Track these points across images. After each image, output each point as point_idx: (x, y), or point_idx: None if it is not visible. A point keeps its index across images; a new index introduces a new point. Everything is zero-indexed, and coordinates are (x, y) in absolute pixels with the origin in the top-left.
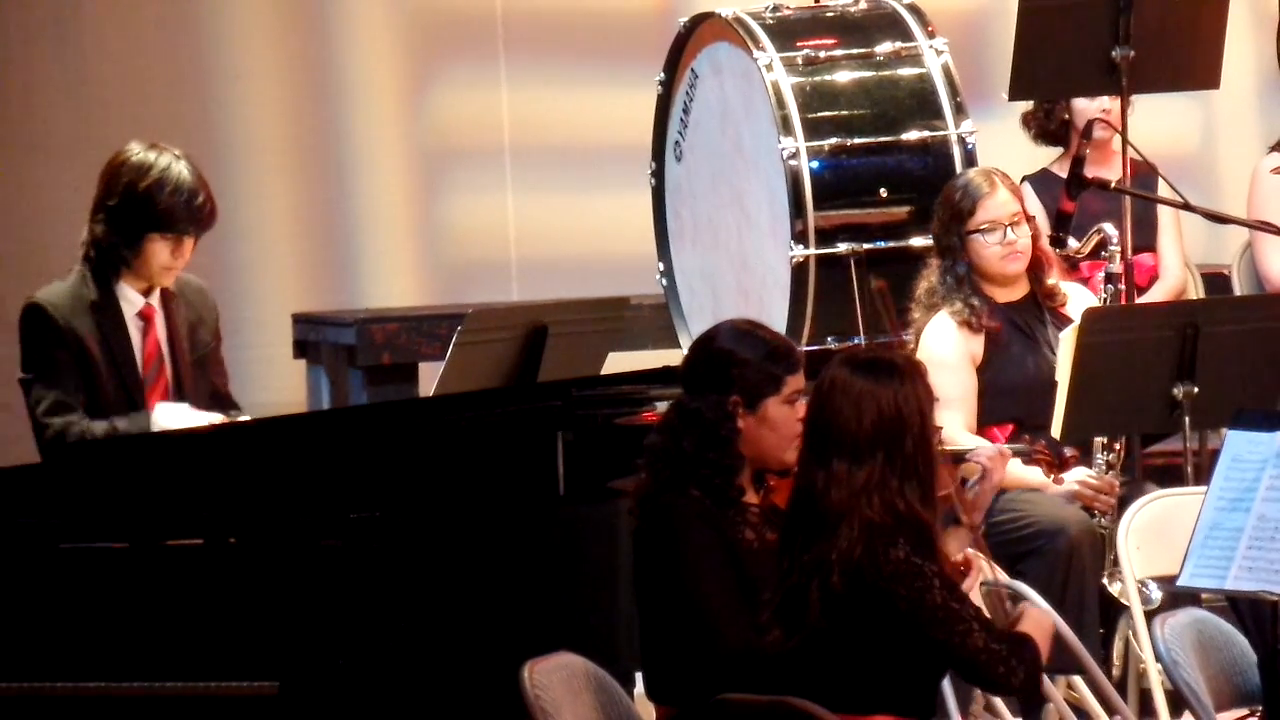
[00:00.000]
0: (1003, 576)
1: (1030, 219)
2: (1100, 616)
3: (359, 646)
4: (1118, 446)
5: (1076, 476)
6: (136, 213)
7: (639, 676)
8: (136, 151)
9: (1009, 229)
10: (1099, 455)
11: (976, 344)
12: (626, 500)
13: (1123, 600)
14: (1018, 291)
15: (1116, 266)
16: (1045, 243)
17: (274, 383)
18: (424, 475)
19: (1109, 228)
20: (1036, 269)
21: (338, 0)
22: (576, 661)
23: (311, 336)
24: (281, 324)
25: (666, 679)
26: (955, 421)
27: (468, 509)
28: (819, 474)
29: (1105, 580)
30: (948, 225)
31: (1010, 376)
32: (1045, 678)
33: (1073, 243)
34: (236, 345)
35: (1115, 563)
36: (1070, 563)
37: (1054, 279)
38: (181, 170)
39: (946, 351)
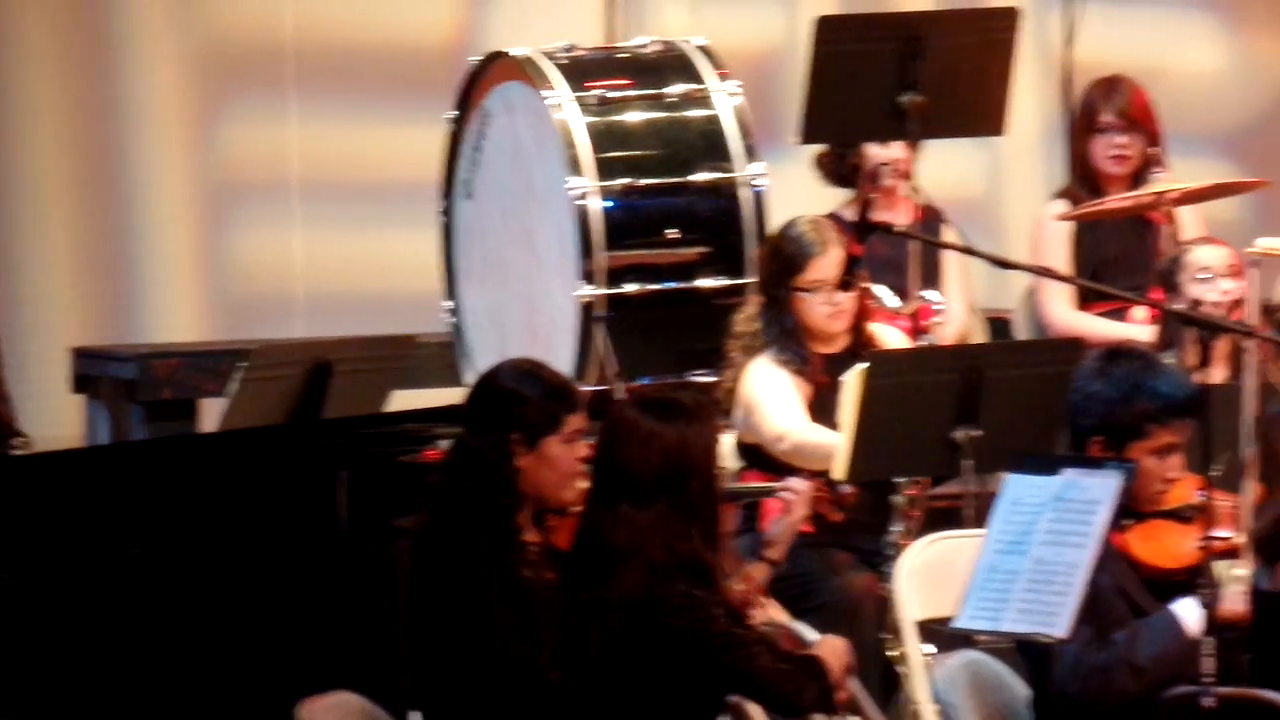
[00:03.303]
0: (785, 617)
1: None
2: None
3: (137, 679)
4: (915, 513)
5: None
6: None
7: (416, 715)
8: None
9: (836, 290)
10: (896, 523)
11: (805, 391)
12: (408, 538)
13: (899, 667)
14: (839, 344)
15: (935, 337)
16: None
17: (52, 417)
18: (204, 511)
19: (933, 295)
20: (857, 318)
21: (124, 29)
22: (353, 700)
23: (92, 371)
24: (61, 358)
25: (445, 718)
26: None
27: (248, 545)
28: (604, 514)
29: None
30: (776, 277)
31: (834, 428)
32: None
33: (895, 301)
34: (15, 380)
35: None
36: (853, 618)
37: (871, 326)
38: None
39: (782, 390)
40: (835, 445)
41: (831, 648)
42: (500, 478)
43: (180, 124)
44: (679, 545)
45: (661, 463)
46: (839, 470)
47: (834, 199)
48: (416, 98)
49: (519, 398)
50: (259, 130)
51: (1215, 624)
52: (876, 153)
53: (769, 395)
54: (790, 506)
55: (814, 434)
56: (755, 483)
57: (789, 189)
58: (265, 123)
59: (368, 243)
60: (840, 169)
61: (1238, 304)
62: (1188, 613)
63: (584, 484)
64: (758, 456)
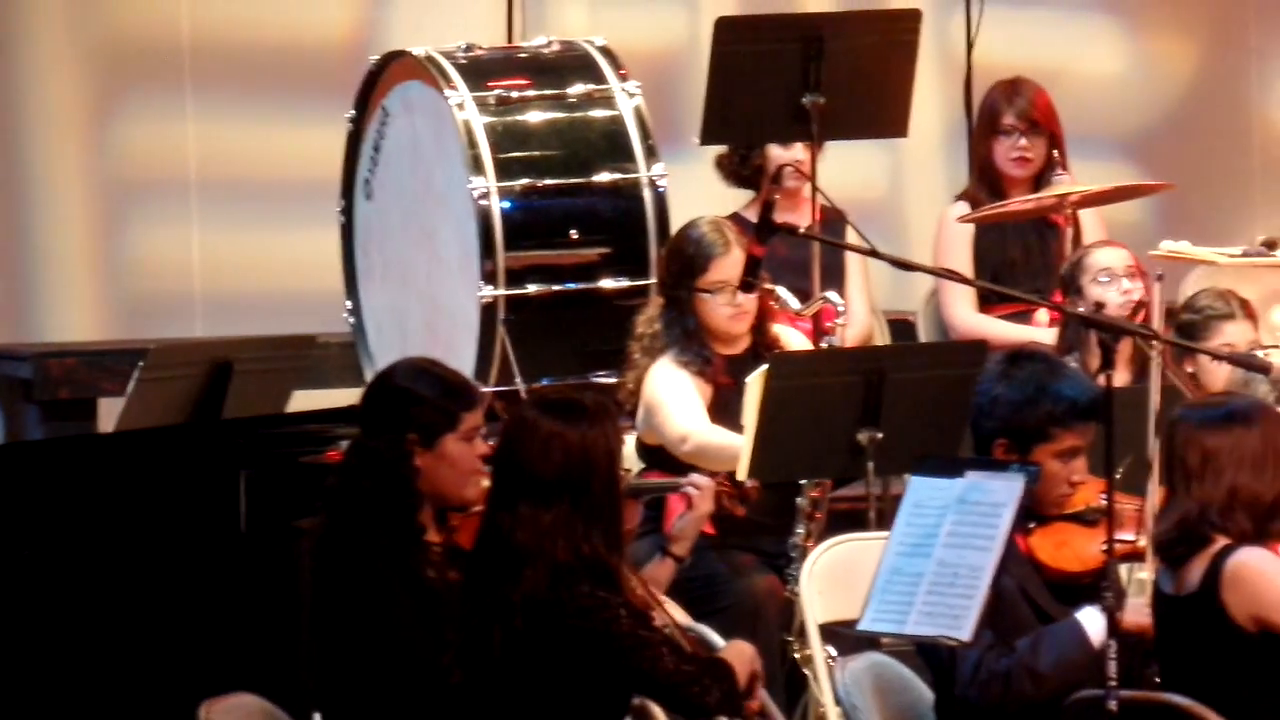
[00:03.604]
0: (686, 619)
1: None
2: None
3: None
4: (819, 515)
5: None
6: None
7: (318, 717)
8: None
9: (737, 290)
10: (799, 525)
11: (707, 392)
12: (309, 539)
13: (805, 668)
14: (741, 345)
15: (838, 339)
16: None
17: None
18: (101, 512)
19: (834, 296)
20: (759, 320)
21: (20, 27)
22: (253, 702)
23: None
24: None
25: (346, 719)
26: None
27: (147, 546)
28: (505, 514)
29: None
30: (677, 278)
31: (737, 429)
32: None
33: (796, 303)
34: None
35: (802, 633)
36: (755, 620)
37: (774, 327)
38: None
39: (683, 391)
40: (738, 446)
41: (739, 653)
42: (398, 478)
43: (76, 122)
44: (581, 546)
45: (563, 464)
46: (742, 472)
47: (736, 200)
48: (315, 97)
49: (414, 397)
50: (156, 129)
51: (1118, 628)
52: (779, 154)
53: (671, 396)
54: (693, 501)
55: (716, 435)
56: (657, 479)
57: (691, 190)
58: (162, 121)
59: (267, 242)
60: (742, 170)
61: (1140, 306)
62: (1091, 621)
63: (486, 482)
64: (659, 457)
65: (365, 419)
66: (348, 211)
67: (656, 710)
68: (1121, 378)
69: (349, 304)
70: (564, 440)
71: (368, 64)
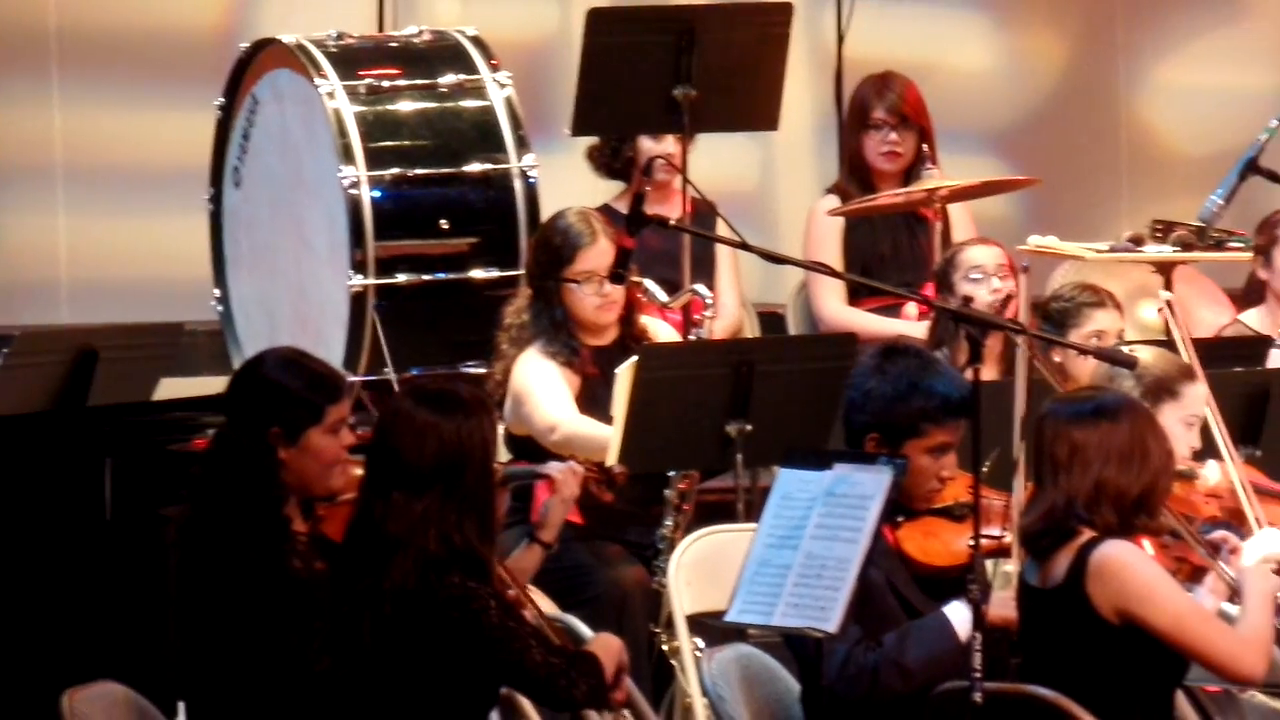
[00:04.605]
0: (552, 609)
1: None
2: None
3: None
4: (687, 507)
5: None
6: None
7: (182, 706)
8: None
9: (605, 280)
10: (668, 517)
11: (574, 383)
12: (174, 527)
13: (672, 659)
14: (608, 336)
15: (706, 331)
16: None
17: None
18: None
19: (703, 289)
20: (627, 311)
21: None
22: (118, 690)
23: None
24: None
25: (211, 709)
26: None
27: (9, 533)
28: (379, 503)
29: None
30: (545, 268)
31: (604, 420)
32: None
33: (664, 296)
34: None
35: (669, 624)
36: (622, 610)
37: (642, 319)
38: None
39: (551, 381)
40: (606, 437)
41: (605, 645)
42: (262, 470)
43: None
44: (453, 536)
45: (438, 454)
46: (611, 459)
47: (607, 191)
48: (184, 84)
49: (279, 390)
50: (21, 114)
51: (984, 622)
52: (650, 146)
53: (539, 386)
54: (557, 485)
55: (584, 425)
56: (521, 466)
57: (562, 181)
58: (28, 106)
59: (135, 229)
60: (614, 162)
61: (1008, 301)
62: (958, 616)
63: (356, 471)
64: (528, 448)
65: (230, 410)
66: (216, 199)
67: (524, 702)
68: (990, 373)
69: (217, 292)
70: (439, 431)
71: (237, 51)
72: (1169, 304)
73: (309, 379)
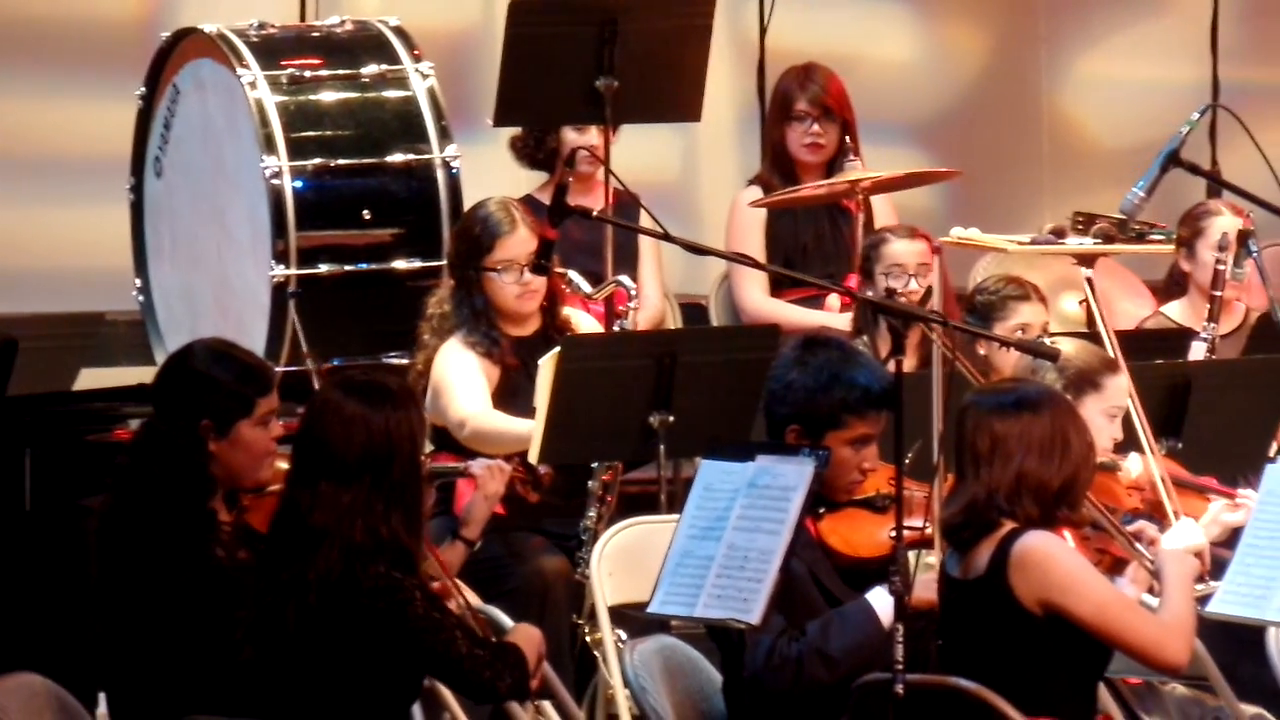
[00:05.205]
0: (476, 601)
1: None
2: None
3: None
4: (609, 498)
5: None
6: None
7: (103, 697)
8: None
9: (525, 269)
10: (590, 508)
11: (493, 374)
12: (95, 518)
13: (595, 651)
14: (530, 326)
15: (629, 323)
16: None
17: None
18: None
19: (626, 280)
20: (550, 302)
21: None
22: (37, 681)
23: None
24: None
25: (133, 699)
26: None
27: None
28: (305, 493)
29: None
30: (465, 258)
31: (522, 412)
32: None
33: (588, 287)
34: None
35: (592, 615)
36: (544, 602)
37: (565, 310)
38: None
39: (469, 373)
40: (515, 432)
41: (527, 636)
42: (191, 462)
43: None
44: (380, 527)
45: (365, 445)
46: (533, 455)
47: (530, 182)
48: (106, 73)
49: (210, 382)
50: None
51: (906, 612)
52: (574, 137)
53: (456, 379)
54: (480, 482)
55: (495, 420)
56: (445, 463)
57: (486, 171)
58: None
59: (55, 219)
60: (538, 152)
61: (929, 293)
62: (881, 602)
63: (280, 464)
64: (449, 439)
65: (158, 402)
66: (138, 189)
67: (446, 693)
68: (908, 363)
69: (138, 282)
70: (367, 423)
71: (159, 41)
72: (1089, 280)
73: (239, 371)
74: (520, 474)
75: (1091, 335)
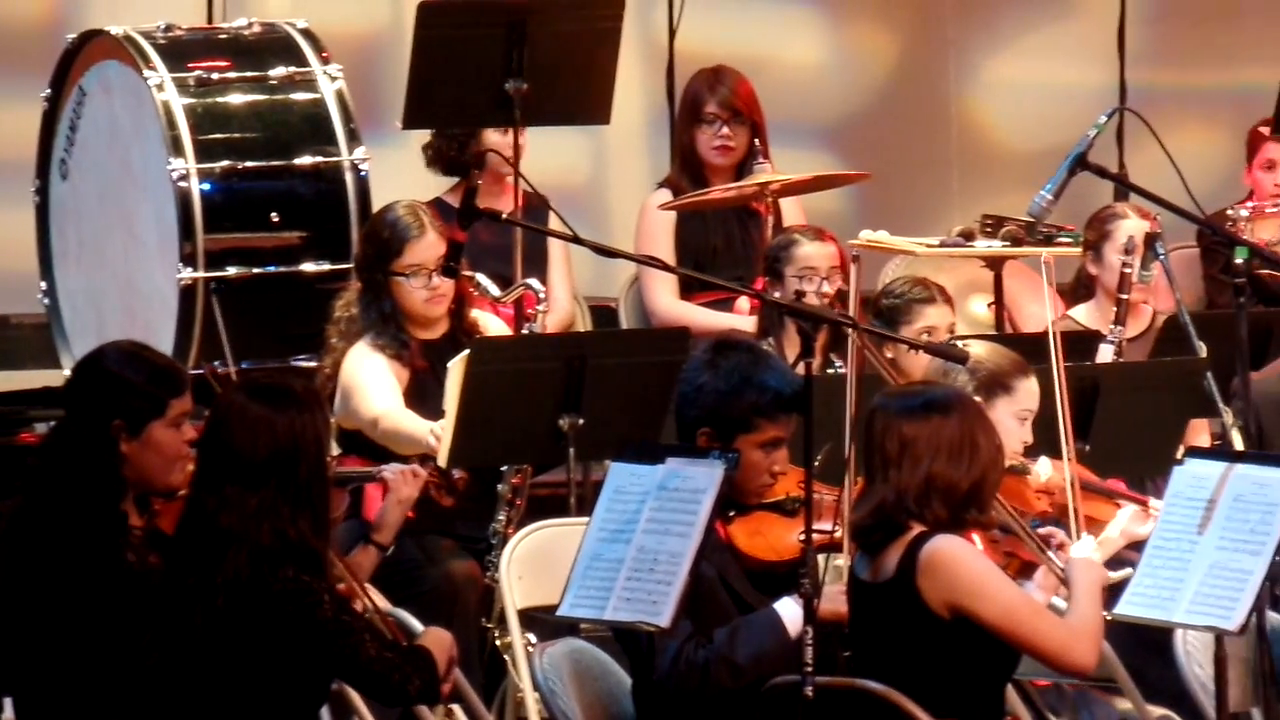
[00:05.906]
0: (385, 604)
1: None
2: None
3: None
4: (519, 501)
5: None
6: None
7: (9, 703)
8: None
9: (434, 273)
10: (500, 511)
11: (403, 376)
12: (1, 521)
13: (504, 654)
14: (439, 329)
15: (538, 325)
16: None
17: None
18: None
19: (535, 283)
20: (458, 305)
21: None
22: None
23: None
24: None
25: (39, 705)
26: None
27: None
28: (211, 497)
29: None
30: (373, 261)
31: (432, 415)
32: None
33: (496, 290)
34: None
35: (502, 619)
36: (454, 605)
37: (473, 313)
38: None
39: (379, 374)
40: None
41: (437, 639)
42: (102, 464)
43: None
44: (287, 530)
45: (271, 448)
46: (443, 459)
47: (440, 185)
48: (9, 74)
49: (122, 383)
50: None
51: (815, 616)
52: (496, 140)
53: (366, 379)
54: (393, 488)
55: (408, 420)
56: (356, 468)
57: (395, 174)
58: None
59: None
60: (460, 156)
61: (839, 294)
62: (788, 612)
63: (191, 467)
64: (357, 442)
65: (70, 403)
66: (43, 191)
67: (355, 696)
68: (817, 365)
69: (44, 285)
70: (272, 425)
71: (64, 42)
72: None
73: (151, 372)
74: (434, 479)
75: (1001, 337)
